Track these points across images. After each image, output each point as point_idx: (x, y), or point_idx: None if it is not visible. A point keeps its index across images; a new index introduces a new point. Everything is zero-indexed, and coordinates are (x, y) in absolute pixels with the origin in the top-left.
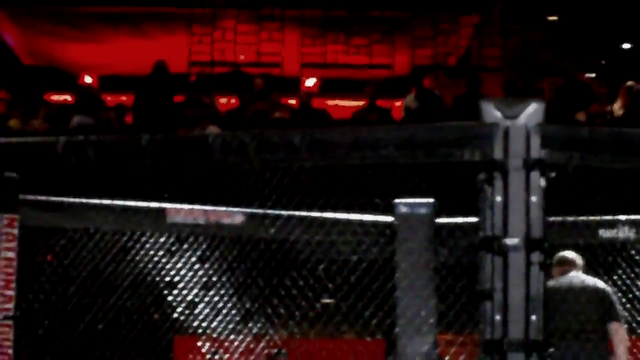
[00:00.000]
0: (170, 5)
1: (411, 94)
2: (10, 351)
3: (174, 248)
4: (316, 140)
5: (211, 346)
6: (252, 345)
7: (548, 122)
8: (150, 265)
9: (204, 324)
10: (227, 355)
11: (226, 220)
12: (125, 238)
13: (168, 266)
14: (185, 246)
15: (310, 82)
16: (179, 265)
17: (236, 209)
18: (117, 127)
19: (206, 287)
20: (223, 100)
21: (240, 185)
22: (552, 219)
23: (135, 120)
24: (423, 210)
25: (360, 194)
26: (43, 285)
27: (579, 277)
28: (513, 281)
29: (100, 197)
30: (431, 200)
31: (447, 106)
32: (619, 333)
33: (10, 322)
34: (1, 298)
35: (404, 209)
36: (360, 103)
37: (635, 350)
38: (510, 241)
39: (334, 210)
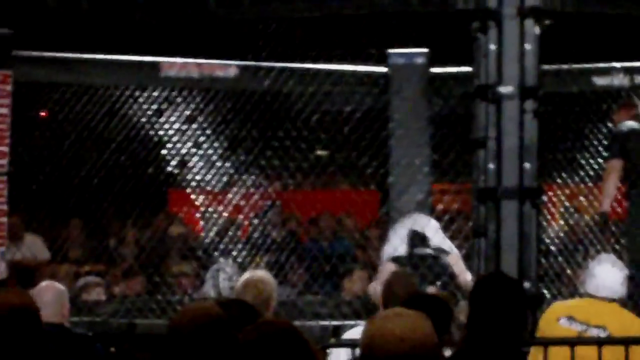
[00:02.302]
0: None
1: None
2: (4, 207)
3: (167, 103)
4: None
5: (205, 199)
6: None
7: None
8: (144, 120)
9: (198, 177)
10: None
11: (219, 73)
12: (118, 92)
13: (162, 120)
14: (179, 100)
15: None
16: (173, 119)
17: (229, 62)
18: None
19: (200, 140)
20: None
21: (234, 37)
22: (546, 67)
23: None
24: (417, 60)
25: (354, 44)
26: (37, 141)
27: None
28: (507, 129)
29: (94, 52)
30: (425, 50)
31: None
32: None
33: (4, 178)
34: None
35: (398, 59)
36: None
37: None
38: (505, 89)
39: (328, 61)
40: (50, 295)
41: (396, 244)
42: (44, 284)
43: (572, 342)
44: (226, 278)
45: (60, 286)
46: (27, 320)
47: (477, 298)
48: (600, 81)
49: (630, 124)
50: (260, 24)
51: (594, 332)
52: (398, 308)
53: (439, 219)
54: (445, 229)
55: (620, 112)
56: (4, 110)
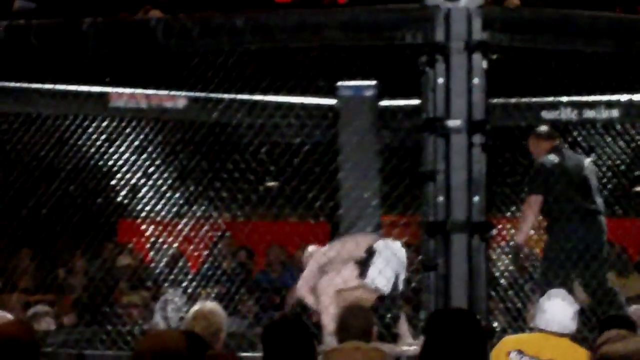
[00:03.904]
0: None
1: None
2: None
3: (116, 133)
4: (259, 23)
5: (155, 229)
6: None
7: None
8: (93, 150)
9: (148, 208)
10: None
11: (169, 104)
12: (67, 122)
13: (111, 150)
14: (128, 130)
15: None
16: (122, 149)
17: (179, 93)
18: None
19: (149, 171)
20: None
21: (183, 69)
22: (494, 100)
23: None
24: (366, 93)
25: (304, 76)
26: None
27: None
28: (455, 163)
29: (43, 82)
30: (374, 82)
31: None
32: None
33: None
34: None
35: (347, 92)
36: None
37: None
38: (453, 123)
39: (277, 93)
40: None
41: (376, 274)
42: None
43: None
44: (175, 309)
45: (8, 316)
46: (21, 352)
47: (433, 331)
48: (548, 115)
49: (553, 158)
50: (209, 56)
51: None
52: (355, 341)
53: None
54: None
55: (539, 143)
56: None
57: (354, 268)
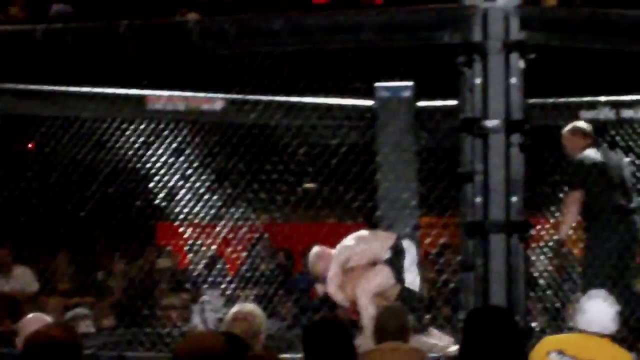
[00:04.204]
0: None
1: None
2: None
3: (154, 135)
4: (296, 25)
5: (193, 232)
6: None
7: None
8: (131, 152)
9: (186, 210)
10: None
11: (206, 107)
12: (105, 125)
13: (149, 153)
14: (166, 133)
15: None
16: (160, 152)
17: (216, 95)
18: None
19: (187, 173)
20: None
21: (221, 71)
22: (532, 100)
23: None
24: (403, 94)
25: (341, 77)
26: (25, 173)
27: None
28: (493, 163)
29: (80, 85)
30: (411, 83)
31: None
32: None
33: None
34: None
35: (384, 93)
36: None
37: None
38: (490, 123)
39: (315, 94)
40: (37, 328)
41: (413, 277)
42: (31, 316)
43: None
44: (213, 310)
45: (47, 318)
46: (65, 354)
47: (471, 330)
48: (587, 115)
49: (591, 154)
50: (246, 58)
51: None
52: (393, 342)
53: (427, 252)
54: (433, 262)
55: (576, 139)
56: None
57: (387, 272)
